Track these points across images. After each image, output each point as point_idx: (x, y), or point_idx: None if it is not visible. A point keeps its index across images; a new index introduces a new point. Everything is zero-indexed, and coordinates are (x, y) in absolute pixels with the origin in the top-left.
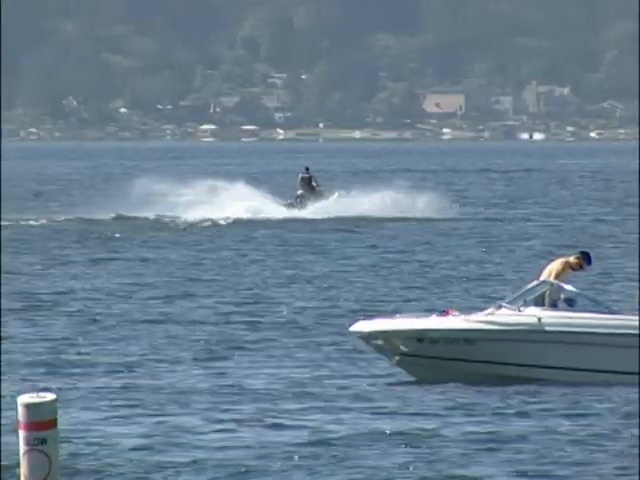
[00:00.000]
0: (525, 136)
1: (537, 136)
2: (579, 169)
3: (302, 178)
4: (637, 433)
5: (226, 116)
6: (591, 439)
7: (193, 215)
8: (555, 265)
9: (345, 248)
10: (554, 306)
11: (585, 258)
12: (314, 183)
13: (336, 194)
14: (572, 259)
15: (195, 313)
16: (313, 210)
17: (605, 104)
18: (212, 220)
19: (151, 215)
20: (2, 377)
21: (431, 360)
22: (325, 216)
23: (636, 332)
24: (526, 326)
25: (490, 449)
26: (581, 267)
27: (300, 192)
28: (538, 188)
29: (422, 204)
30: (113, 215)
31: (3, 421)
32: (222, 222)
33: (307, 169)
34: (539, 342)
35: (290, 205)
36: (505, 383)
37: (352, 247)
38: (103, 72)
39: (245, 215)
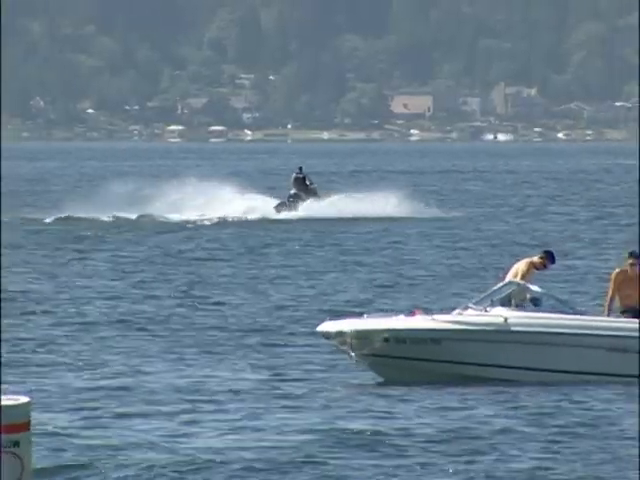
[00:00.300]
0: (490, 137)
1: (502, 137)
2: (531, 170)
3: (296, 178)
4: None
5: (194, 117)
6: (558, 439)
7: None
8: (520, 265)
9: (315, 248)
10: (520, 306)
11: (549, 257)
12: (308, 182)
13: (333, 196)
14: (536, 259)
15: (156, 314)
16: (305, 209)
17: (572, 105)
18: (193, 220)
19: (133, 215)
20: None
21: (398, 360)
22: (318, 215)
23: (601, 332)
24: (492, 326)
25: (456, 449)
26: (545, 266)
27: (293, 192)
28: (494, 188)
29: (407, 204)
30: (110, 216)
31: None
32: (207, 222)
33: (300, 169)
34: (505, 342)
35: (281, 205)
36: (471, 383)
37: (319, 247)
38: (70, 72)
39: (237, 215)
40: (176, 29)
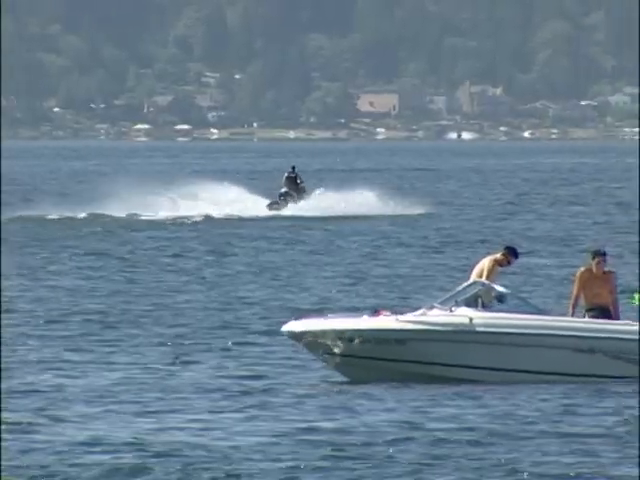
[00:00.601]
0: (453, 136)
1: (465, 135)
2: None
3: (287, 177)
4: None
5: (159, 115)
6: (523, 437)
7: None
8: (484, 264)
9: (283, 247)
10: (487, 306)
11: (511, 253)
12: (299, 181)
13: (318, 190)
14: (499, 256)
15: (126, 313)
16: (296, 208)
17: (538, 104)
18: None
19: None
20: None
21: (363, 360)
22: (309, 214)
23: (566, 333)
24: (457, 327)
25: (421, 449)
26: (509, 262)
27: (284, 190)
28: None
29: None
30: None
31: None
32: (187, 221)
33: (293, 168)
34: (470, 343)
35: (273, 204)
36: (436, 383)
37: (288, 245)
38: (36, 71)
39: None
40: (142, 27)
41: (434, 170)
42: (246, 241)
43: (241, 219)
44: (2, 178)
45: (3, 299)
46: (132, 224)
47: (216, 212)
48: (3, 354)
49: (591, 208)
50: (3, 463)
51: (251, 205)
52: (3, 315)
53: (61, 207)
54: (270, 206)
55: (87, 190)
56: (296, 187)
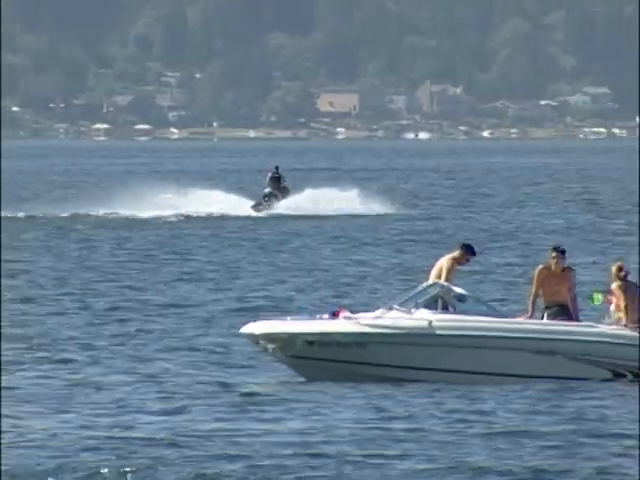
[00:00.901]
0: (410, 135)
1: (423, 135)
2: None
3: (271, 178)
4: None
5: (119, 115)
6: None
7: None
8: (442, 264)
9: (244, 247)
10: (445, 308)
11: (468, 251)
12: (282, 181)
13: (307, 191)
14: (457, 254)
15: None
16: (282, 207)
17: (497, 104)
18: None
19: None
20: None
21: (322, 362)
22: (296, 213)
23: (526, 335)
24: (417, 329)
25: (379, 449)
26: (467, 260)
27: (267, 190)
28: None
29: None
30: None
31: None
32: (173, 219)
33: (277, 168)
34: (430, 345)
35: (258, 205)
36: (397, 386)
37: (245, 246)
38: None
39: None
40: (102, 27)
41: (396, 170)
42: (214, 241)
43: (224, 218)
44: None
45: None
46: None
47: (200, 211)
48: None
49: (550, 208)
50: None
51: (234, 205)
52: None
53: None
54: (255, 207)
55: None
56: (279, 187)
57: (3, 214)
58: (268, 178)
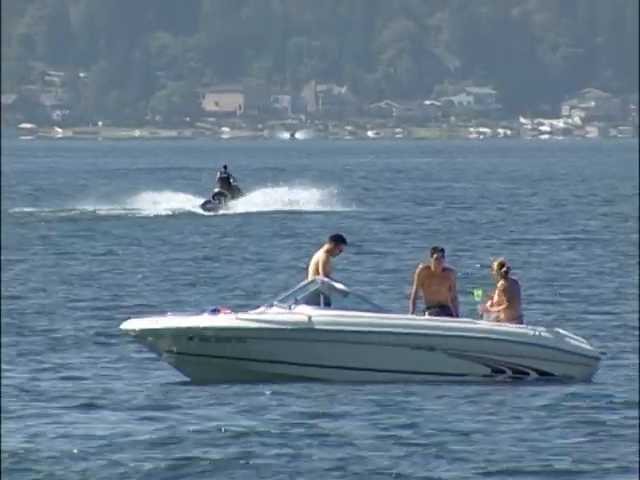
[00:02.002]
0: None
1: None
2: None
3: (220, 178)
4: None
5: (3, 114)
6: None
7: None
8: (317, 259)
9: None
10: (328, 304)
11: (339, 240)
12: (232, 180)
13: (259, 191)
14: (329, 247)
15: None
16: (239, 205)
17: (382, 104)
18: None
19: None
20: None
21: (203, 358)
22: (255, 210)
23: (406, 331)
24: (296, 325)
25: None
26: (340, 250)
27: (217, 190)
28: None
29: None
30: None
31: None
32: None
33: (225, 167)
34: (310, 341)
35: (207, 204)
36: (276, 382)
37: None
38: None
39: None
40: None
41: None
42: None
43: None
44: None
45: None
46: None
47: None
48: None
49: (430, 208)
50: None
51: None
52: None
53: None
54: (204, 206)
55: None
56: (229, 186)
57: None
58: (217, 178)
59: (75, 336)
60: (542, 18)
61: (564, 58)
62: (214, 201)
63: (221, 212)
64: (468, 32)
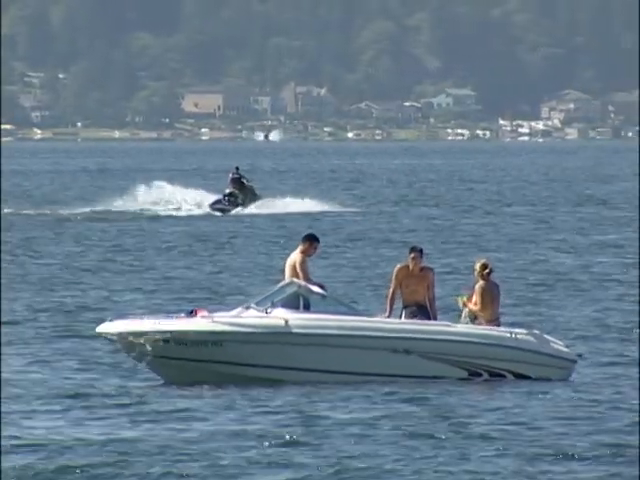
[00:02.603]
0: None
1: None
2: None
3: (232, 179)
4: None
5: None
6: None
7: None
8: (294, 260)
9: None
10: (307, 306)
11: (312, 239)
12: (244, 180)
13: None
14: (303, 247)
15: None
16: (255, 207)
17: (362, 105)
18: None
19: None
20: None
21: (179, 362)
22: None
23: (384, 334)
24: (273, 328)
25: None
26: (315, 249)
27: (228, 190)
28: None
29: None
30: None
31: None
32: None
33: (237, 169)
34: (286, 344)
35: (217, 204)
36: (252, 385)
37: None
38: None
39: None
40: None
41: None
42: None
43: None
44: None
45: None
46: None
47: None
48: None
49: (413, 207)
50: None
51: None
52: None
53: None
54: (213, 206)
55: None
56: (242, 187)
57: None
58: (229, 179)
59: (48, 336)
60: (522, 19)
61: (544, 59)
62: (224, 201)
63: (233, 212)
64: (448, 33)
